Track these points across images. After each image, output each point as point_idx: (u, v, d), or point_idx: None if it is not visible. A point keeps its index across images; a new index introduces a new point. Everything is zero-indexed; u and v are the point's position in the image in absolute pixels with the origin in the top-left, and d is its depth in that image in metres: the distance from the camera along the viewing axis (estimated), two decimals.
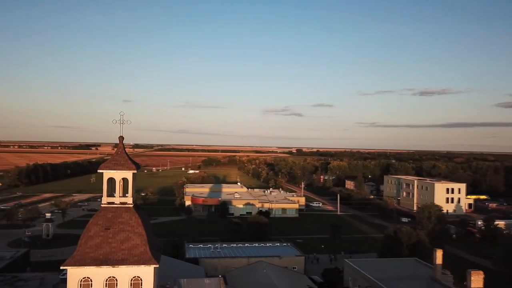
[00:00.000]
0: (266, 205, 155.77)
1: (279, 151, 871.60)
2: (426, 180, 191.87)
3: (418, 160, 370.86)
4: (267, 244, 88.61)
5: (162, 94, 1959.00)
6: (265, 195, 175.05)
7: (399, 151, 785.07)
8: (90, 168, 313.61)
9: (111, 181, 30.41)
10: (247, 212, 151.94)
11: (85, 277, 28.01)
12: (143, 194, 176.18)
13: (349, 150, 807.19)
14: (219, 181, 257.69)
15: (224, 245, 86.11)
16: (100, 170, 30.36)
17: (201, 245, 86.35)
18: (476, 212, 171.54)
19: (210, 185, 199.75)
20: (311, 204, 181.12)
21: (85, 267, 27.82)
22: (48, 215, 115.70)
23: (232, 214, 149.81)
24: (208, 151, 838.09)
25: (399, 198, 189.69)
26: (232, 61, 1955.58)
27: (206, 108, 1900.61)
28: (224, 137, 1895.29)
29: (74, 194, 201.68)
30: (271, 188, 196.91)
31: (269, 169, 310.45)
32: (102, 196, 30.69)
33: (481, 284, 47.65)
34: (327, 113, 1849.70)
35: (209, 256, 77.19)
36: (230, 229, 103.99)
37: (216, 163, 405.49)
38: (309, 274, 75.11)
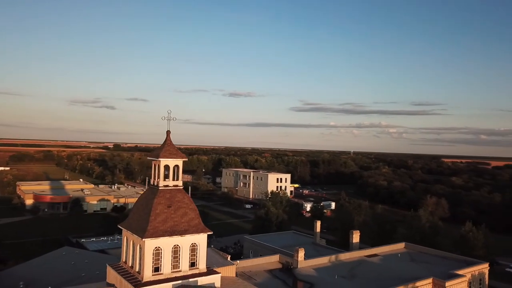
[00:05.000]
0: (122, 200, 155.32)
1: (92, 146, 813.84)
2: (259, 171, 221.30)
3: (233, 155, 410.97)
4: None
5: None
6: (114, 191, 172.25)
7: (212, 147, 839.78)
8: None
9: (166, 168, 36.21)
10: (101, 208, 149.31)
11: (157, 247, 33.65)
12: None
13: None
14: (47, 178, 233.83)
15: (118, 236, 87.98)
16: (159, 158, 35.69)
17: (94, 239, 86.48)
18: (296, 198, 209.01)
19: (47, 182, 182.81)
20: None
21: (159, 238, 33.50)
22: None
23: (86, 210, 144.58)
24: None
25: (237, 188, 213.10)
26: (31, 41, 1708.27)
27: None
28: (20, 129, 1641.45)
29: None
30: (116, 184, 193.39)
31: (98, 164, 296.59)
32: None
33: (358, 239, 68.04)
34: (141, 108, 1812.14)
35: (113, 247, 79.02)
36: (108, 222, 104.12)
37: (29, 159, 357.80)
38: None
